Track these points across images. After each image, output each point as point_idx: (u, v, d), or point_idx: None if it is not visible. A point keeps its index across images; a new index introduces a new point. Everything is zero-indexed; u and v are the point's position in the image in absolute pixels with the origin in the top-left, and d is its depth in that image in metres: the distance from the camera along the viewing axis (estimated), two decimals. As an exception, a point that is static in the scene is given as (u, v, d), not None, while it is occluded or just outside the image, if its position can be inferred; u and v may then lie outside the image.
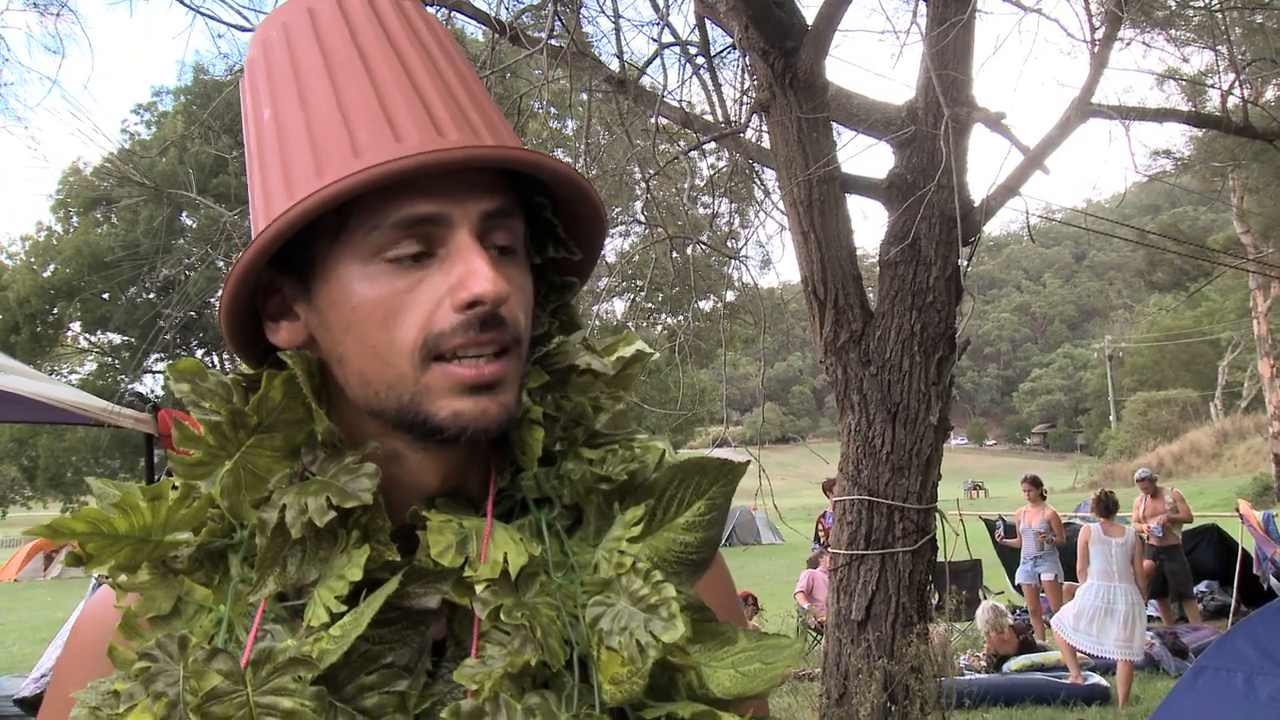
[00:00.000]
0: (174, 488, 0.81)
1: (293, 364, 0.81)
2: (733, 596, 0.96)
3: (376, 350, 0.78)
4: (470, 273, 0.76)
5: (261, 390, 0.80)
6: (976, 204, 5.29)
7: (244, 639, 0.78)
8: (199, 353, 31.48)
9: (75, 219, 30.04)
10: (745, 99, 6.14)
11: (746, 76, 6.02)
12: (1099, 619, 7.97)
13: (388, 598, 0.78)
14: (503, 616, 0.77)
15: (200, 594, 0.81)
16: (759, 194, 7.23)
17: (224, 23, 5.37)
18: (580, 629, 0.80)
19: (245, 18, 5.36)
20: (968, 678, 8.46)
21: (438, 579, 0.80)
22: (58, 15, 5.59)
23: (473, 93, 0.83)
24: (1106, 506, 8.59)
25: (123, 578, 0.81)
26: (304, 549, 0.80)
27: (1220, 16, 7.38)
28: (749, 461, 0.90)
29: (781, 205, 5.61)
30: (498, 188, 0.81)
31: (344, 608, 0.77)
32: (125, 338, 30.48)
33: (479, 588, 0.78)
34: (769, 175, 6.81)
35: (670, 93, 6.14)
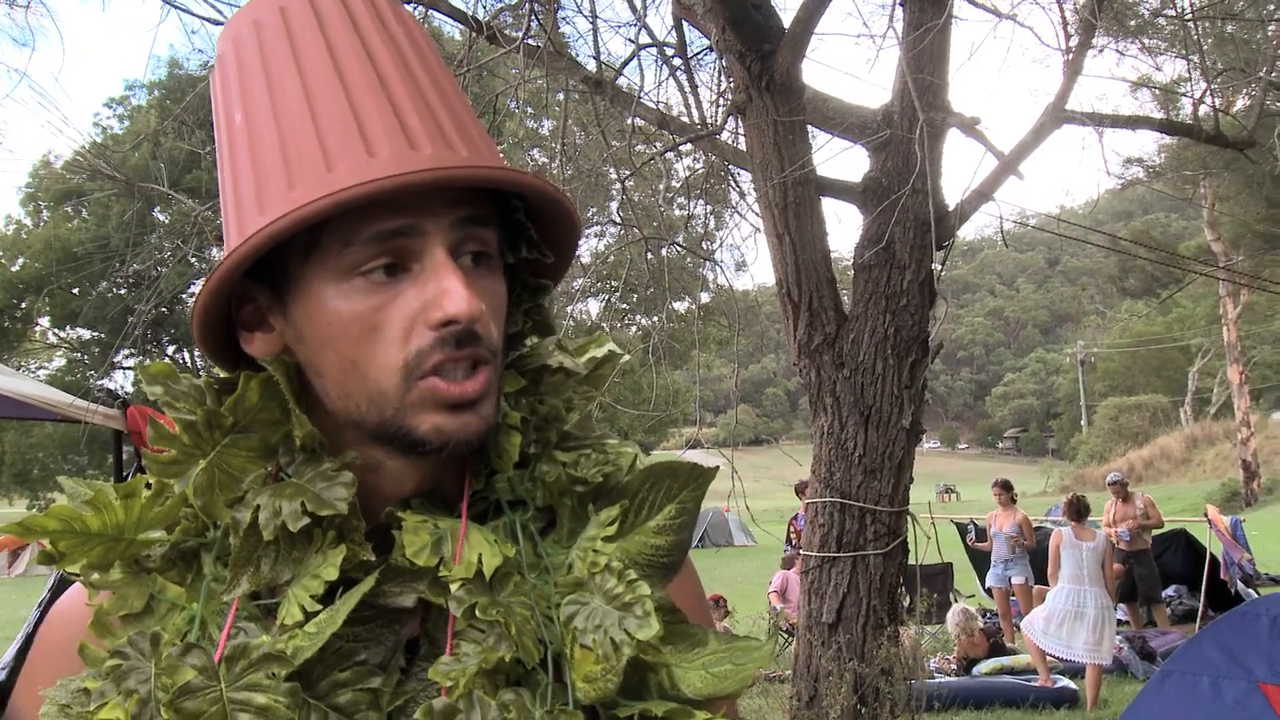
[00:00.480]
0: (147, 486, 0.81)
1: (272, 369, 0.81)
2: (701, 600, 0.97)
3: (357, 365, 0.79)
4: (444, 292, 0.76)
5: (238, 391, 0.81)
6: (951, 208, 5.32)
7: (217, 637, 0.78)
8: (170, 349, 31.23)
9: (45, 213, 29.74)
10: (722, 101, 6.15)
11: (723, 78, 6.04)
12: (1069, 623, 8.03)
13: (363, 596, 0.78)
14: (478, 614, 0.77)
15: (173, 592, 0.81)
16: (734, 196, 7.25)
17: (197, 16, 5.33)
18: (554, 629, 0.80)
19: (219, 11, 5.32)
20: (938, 680, 8.51)
21: (414, 578, 0.81)
22: (27, 7, 5.51)
23: (446, 97, 0.83)
24: (1078, 510, 8.66)
25: (95, 576, 0.81)
26: (278, 549, 0.80)
27: (1192, 26, 7.45)
28: (719, 467, 0.91)
29: (757, 207, 5.62)
30: (469, 196, 0.81)
31: (318, 606, 0.77)
32: (95, 333, 30.19)
33: (454, 586, 0.78)
34: (744, 177, 6.82)
35: (647, 94, 6.15)
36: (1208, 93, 7.53)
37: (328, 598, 0.78)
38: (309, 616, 0.77)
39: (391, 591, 0.81)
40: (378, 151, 0.76)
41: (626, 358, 0.95)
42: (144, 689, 0.74)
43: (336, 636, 0.77)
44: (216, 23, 5.33)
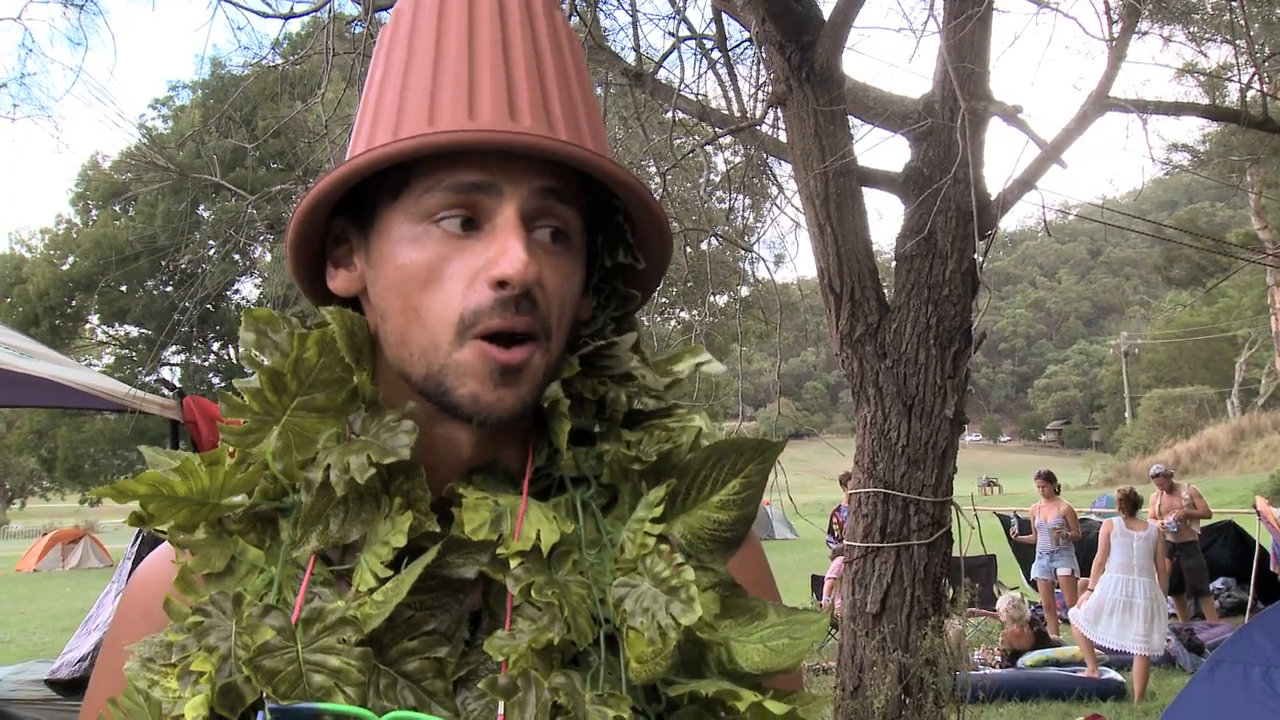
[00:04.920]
0: (230, 454, 0.84)
1: (333, 319, 0.84)
2: (764, 571, 0.97)
3: (417, 311, 0.82)
4: (503, 252, 0.79)
5: (295, 351, 0.83)
6: (993, 198, 5.29)
7: (292, 600, 0.80)
8: (214, 345, 31.61)
9: (94, 212, 30.18)
10: (761, 93, 6.14)
11: (762, 70, 6.03)
12: (1119, 613, 7.95)
13: (427, 566, 0.80)
14: (533, 594, 0.78)
15: (253, 555, 0.84)
16: (773, 190, 7.23)
17: (251, 10, 5.37)
18: (610, 607, 0.81)
19: (269, 4, 5.38)
20: (982, 672, 8.47)
21: (476, 550, 0.83)
22: (81, 8, 5.61)
23: (568, 90, 0.87)
24: (1133, 504, 8.58)
25: (181, 536, 0.84)
26: (346, 508, 0.83)
27: (1239, 9, 7.34)
28: (786, 440, 0.91)
29: (797, 200, 5.61)
30: (554, 171, 0.83)
31: (390, 572, 0.80)
32: (142, 330, 30.63)
33: (512, 564, 0.80)
34: (783, 171, 6.81)
35: (687, 86, 6.16)
36: (1255, 78, 7.42)
37: (394, 566, 0.80)
38: (380, 583, 0.80)
39: (455, 563, 0.83)
40: (479, 115, 0.80)
41: (722, 370, 0.97)
42: (224, 646, 0.77)
43: (405, 606, 0.80)
44: (267, 16, 5.39)
